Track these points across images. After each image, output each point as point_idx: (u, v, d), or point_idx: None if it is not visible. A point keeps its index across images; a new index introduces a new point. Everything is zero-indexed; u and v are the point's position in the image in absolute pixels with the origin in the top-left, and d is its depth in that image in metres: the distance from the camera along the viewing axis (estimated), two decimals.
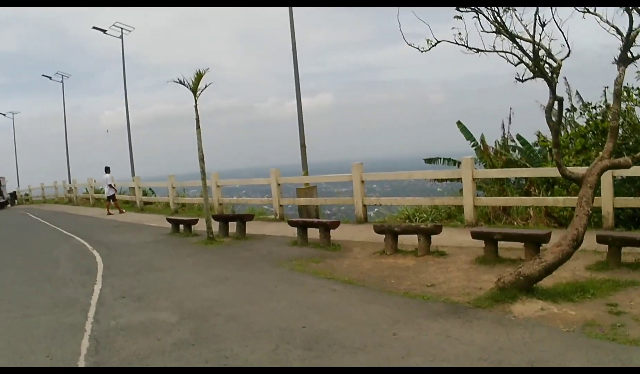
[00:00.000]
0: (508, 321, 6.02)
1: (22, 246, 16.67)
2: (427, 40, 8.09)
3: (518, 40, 7.30)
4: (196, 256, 11.94)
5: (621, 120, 11.89)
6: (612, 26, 7.00)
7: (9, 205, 43.51)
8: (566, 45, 7.01)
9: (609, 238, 8.28)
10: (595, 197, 8.08)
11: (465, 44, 7.67)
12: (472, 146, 16.98)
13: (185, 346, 5.90)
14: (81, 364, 5.59)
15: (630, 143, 12.33)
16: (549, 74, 7.21)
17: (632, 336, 5.30)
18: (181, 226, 15.81)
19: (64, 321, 7.27)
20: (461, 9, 7.40)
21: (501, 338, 5.52)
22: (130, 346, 6.04)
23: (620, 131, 11.98)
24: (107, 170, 25.99)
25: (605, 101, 13.75)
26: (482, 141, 16.73)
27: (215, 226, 14.35)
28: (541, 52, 7.13)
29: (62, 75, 41.89)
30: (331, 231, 11.90)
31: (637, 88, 12.84)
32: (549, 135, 15.97)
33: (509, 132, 16.65)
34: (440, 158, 17.27)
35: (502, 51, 7.61)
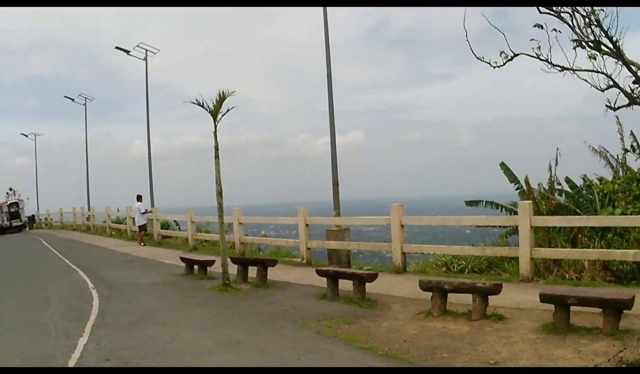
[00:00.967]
0: None
1: (18, 279, 15.24)
2: (501, 53, 6.58)
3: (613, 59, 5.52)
4: (206, 307, 10.07)
5: None
6: None
7: (26, 228, 42.48)
8: None
9: None
10: None
11: (548, 60, 5.94)
12: (516, 189, 15.85)
13: None
14: None
15: None
16: None
17: None
18: (196, 267, 14.02)
19: None
20: (544, 9, 5.71)
21: None
22: None
23: None
24: (139, 198, 24.58)
25: None
26: (527, 183, 15.52)
27: (233, 269, 12.55)
28: None
29: (85, 98, 40.62)
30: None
31: None
32: (595, 178, 15.28)
33: (555, 174, 15.72)
34: (482, 201, 16.24)
35: (595, 70, 5.86)
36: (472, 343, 7.12)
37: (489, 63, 6.89)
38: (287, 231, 29.33)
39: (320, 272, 10.81)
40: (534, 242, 12.60)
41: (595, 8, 5.88)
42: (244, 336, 7.88)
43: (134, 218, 25.57)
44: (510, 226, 14.41)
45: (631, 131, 14.19)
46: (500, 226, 14.74)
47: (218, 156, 11.95)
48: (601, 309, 7.16)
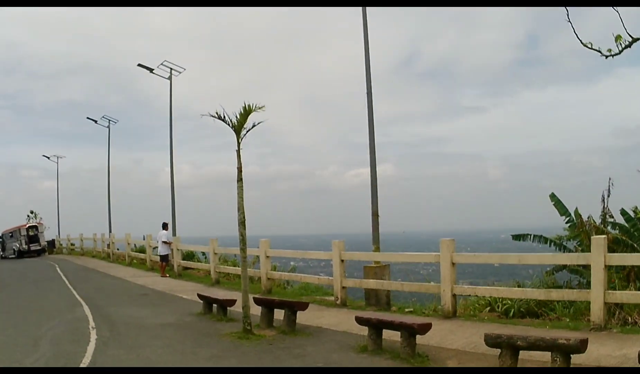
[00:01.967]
0: None
1: (15, 311, 13.61)
2: (617, 38, 4.78)
3: None
4: (221, 361, 8.12)
5: None
6: None
7: (45, 253, 41.27)
8: None
9: None
10: None
11: None
12: (566, 221, 14.74)
13: None
14: None
15: None
16: None
17: None
18: (214, 306, 12.17)
19: None
20: None
21: None
22: None
23: None
24: (165, 226, 22.98)
25: None
26: (578, 215, 14.35)
27: (257, 309, 10.69)
28: None
29: (109, 120, 39.24)
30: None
31: None
32: None
33: (607, 206, 14.39)
34: (530, 235, 15.22)
35: None
36: None
37: (599, 51, 5.08)
38: (316, 263, 27.50)
39: (360, 321, 8.86)
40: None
41: None
42: None
43: (155, 247, 23.96)
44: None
45: None
46: (569, 266, 12.97)
47: (241, 179, 10.16)
48: None
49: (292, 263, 22.03)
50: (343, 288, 13.27)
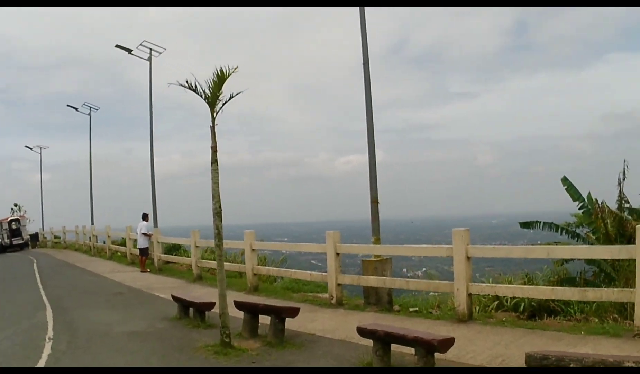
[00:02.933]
0: None
1: None
2: None
3: None
4: None
5: None
6: None
7: (28, 247, 39.61)
8: None
9: None
10: None
11: None
12: (580, 207, 14.20)
13: None
14: None
15: None
16: None
17: None
18: (191, 309, 10.61)
19: None
20: None
21: None
22: None
23: None
24: (145, 217, 21.30)
25: None
26: (590, 200, 13.97)
27: (240, 315, 9.18)
28: None
29: (90, 107, 37.20)
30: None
31: None
32: None
33: (622, 190, 13.98)
34: (539, 222, 14.61)
35: None
36: None
37: None
38: (310, 256, 25.98)
39: (363, 333, 7.29)
40: None
41: None
42: None
43: (134, 240, 22.36)
44: None
45: None
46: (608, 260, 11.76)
47: (216, 160, 8.54)
48: None
49: (284, 251, 20.54)
50: (339, 285, 11.75)
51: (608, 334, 7.92)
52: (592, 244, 13.50)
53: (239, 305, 9.27)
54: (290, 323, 8.96)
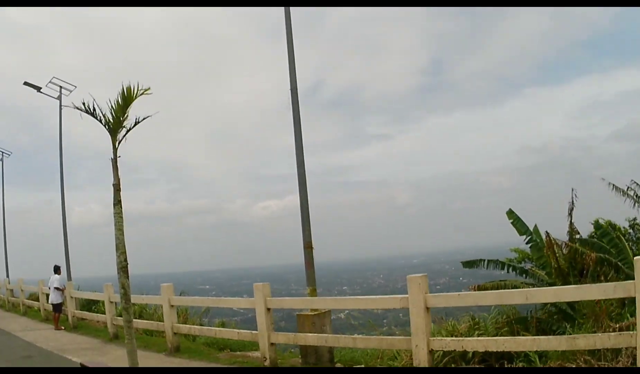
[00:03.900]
0: None
1: None
2: None
3: None
4: None
5: None
6: None
7: None
8: None
9: None
10: None
11: None
12: (527, 241, 13.23)
13: None
14: None
15: None
16: None
17: None
18: None
19: None
20: None
21: None
22: None
23: None
24: (57, 270, 19.05)
25: None
26: (538, 233, 12.95)
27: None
28: None
29: (2, 152, 34.92)
30: None
31: None
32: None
33: (571, 220, 13.00)
34: (484, 260, 13.55)
35: None
36: None
37: None
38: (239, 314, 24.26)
39: None
40: None
41: None
42: None
43: (47, 295, 20.11)
44: None
45: None
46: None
47: (120, 201, 6.96)
48: None
49: (206, 303, 18.72)
50: (272, 344, 10.15)
51: None
52: (542, 280, 12.61)
53: None
54: None
